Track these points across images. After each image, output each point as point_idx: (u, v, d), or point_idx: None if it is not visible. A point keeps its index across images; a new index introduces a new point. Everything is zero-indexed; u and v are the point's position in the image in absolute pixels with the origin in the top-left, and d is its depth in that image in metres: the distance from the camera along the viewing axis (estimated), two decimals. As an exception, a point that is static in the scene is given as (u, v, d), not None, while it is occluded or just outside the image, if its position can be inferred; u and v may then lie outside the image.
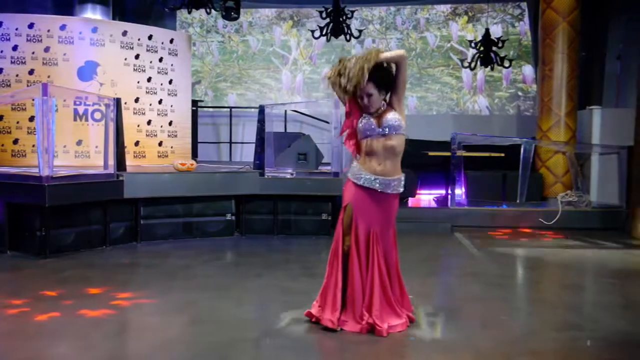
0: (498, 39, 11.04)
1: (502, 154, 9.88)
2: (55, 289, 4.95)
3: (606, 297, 5.12)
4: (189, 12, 10.08)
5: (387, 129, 3.81)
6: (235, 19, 10.71)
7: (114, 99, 7.16)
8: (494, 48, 10.98)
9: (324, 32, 10.61)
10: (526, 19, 12.94)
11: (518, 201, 9.17)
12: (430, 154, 9.90)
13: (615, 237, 8.06)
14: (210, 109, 13.20)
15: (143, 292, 4.93)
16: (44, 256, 6.11)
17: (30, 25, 8.57)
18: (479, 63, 11.12)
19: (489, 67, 11.32)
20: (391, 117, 3.82)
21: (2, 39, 8.52)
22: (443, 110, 13.22)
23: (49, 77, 8.50)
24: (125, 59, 9.10)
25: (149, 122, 9.37)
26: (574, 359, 3.62)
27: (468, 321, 4.21)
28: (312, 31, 10.89)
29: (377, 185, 3.85)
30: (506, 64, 11.19)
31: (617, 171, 9.14)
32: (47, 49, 8.60)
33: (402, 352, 3.63)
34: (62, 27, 8.69)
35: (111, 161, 7.00)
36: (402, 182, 3.96)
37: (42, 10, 10.43)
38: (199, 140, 11.56)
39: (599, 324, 4.22)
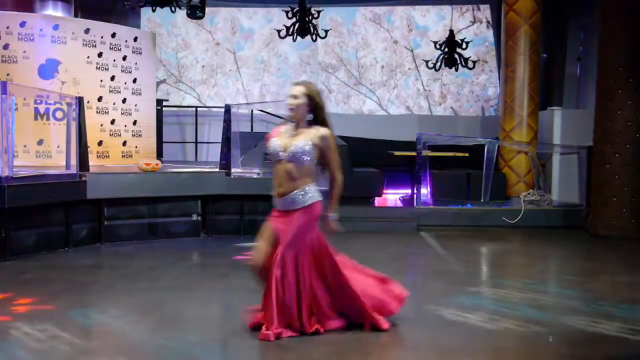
0: (462, 40, 11.18)
1: (467, 154, 10.01)
2: (14, 291, 4.83)
3: (568, 294, 5.24)
4: (153, 11, 9.93)
5: (289, 155, 3.78)
6: (201, 17, 10.61)
7: (76, 97, 7.04)
8: (458, 49, 11.11)
9: (289, 32, 10.58)
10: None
11: (482, 200, 9.32)
12: (396, 154, 9.96)
13: (576, 235, 8.25)
14: (175, 109, 13.04)
15: (107, 294, 4.86)
16: (3, 259, 5.96)
17: (-11, 22, 8.35)
18: (443, 64, 11.24)
19: (453, 68, 11.44)
20: (300, 143, 3.72)
21: (-41, 35, 8.28)
22: (409, 111, 13.32)
23: (8, 74, 8.28)
24: (88, 57, 8.93)
25: (112, 122, 9.21)
26: (536, 356, 3.69)
27: (433, 319, 4.26)
28: (279, 31, 10.85)
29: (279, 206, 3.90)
30: (470, 65, 11.33)
31: (577, 171, 9.37)
32: (6, 46, 8.38)
33: (367, 350, 3.65)
34: (22, 24, 8.48)
35: (74, 161, 6.87)
36: (308, 193, 3.87)
37: (0, 7, 10.14)
38: (164, 140, 11.41)
39: (561, 321, 4.32)
